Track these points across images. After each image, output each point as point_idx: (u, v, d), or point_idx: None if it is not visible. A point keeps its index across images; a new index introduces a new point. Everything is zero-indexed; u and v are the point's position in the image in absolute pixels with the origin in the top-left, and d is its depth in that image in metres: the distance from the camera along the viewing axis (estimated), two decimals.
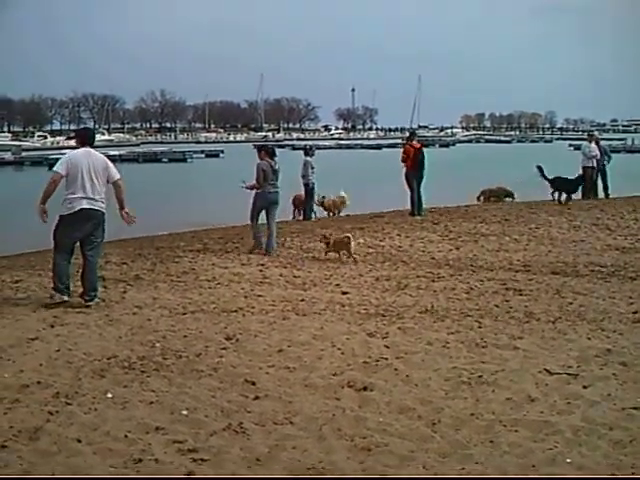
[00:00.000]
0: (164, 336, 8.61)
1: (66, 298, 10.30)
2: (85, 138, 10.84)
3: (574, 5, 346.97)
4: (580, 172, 26.40)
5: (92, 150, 10.68)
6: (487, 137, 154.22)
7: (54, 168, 10.37)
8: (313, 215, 22.85)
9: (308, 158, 22.52)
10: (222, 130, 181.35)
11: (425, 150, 22.53)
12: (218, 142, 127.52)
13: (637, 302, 10.53)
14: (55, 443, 5.68)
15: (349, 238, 14.49)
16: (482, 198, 27.33)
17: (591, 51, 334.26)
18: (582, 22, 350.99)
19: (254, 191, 15.47)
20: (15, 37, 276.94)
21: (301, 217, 22.84)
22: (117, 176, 10.59)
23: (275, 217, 15.67)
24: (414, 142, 22.39)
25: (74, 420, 6.12)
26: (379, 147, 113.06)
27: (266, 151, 15.79)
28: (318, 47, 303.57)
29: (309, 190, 22.41)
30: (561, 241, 16.40)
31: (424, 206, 22.04)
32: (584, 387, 6.90)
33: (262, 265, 13.61)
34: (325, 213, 23.66)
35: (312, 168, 22.32)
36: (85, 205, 10.20)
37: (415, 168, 21.47)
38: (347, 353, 7.95)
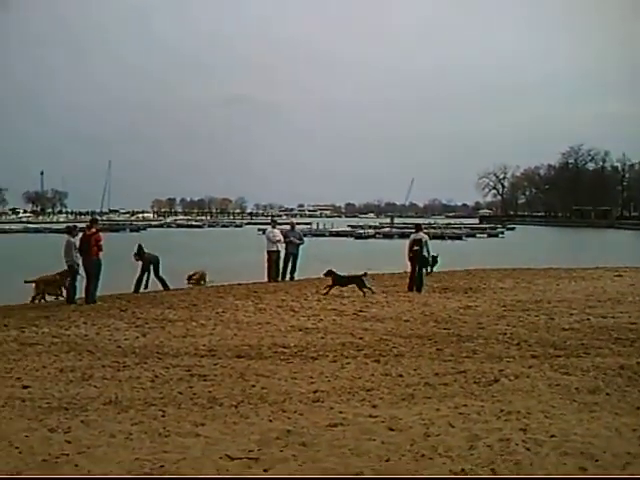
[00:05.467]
0: None
1: None
2: None
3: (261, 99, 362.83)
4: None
5: None
6: (179, 222, 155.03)
7: None
8: None
9: None
10: None
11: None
12: None
13: (318, 381, 10.93)
14: None
15: None
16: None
17: (283, 140, 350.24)
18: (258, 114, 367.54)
19: None
20: None
21: None
22: None
23: None
24: (90, 228, 22.04)
25: None
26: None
27: None
28: (5, 127, 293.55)
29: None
30: (247, 324, 16.67)
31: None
32: (265, 470, 6.99)
33: None
34: None
35: None
36: None
37: (83, 255, 21.26)
38: (25, 452, 7.53)
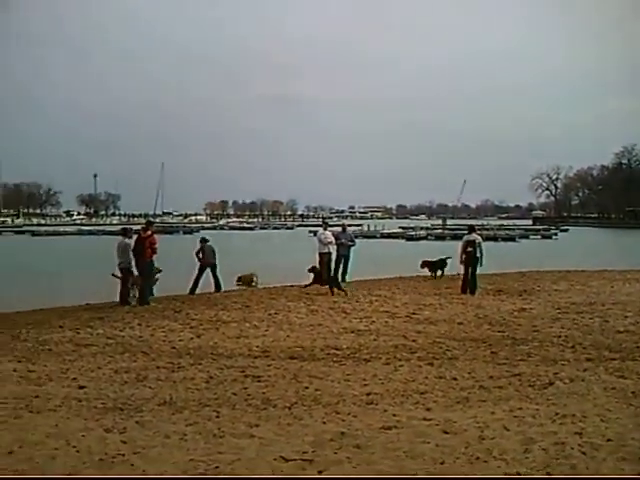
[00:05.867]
0: None
1: None
2: None
3: (310, 99, 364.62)
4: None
5: None
6: (231, 224, 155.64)
7: None
8: None
9: None
10: None
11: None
12: None
13: (371, 384, 10.94)
14: None
15: None
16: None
17: (326, 143, 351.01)
18: (312, 114, 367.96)
19: None
20: None
21: None
22: None
23: None
24: (145, 231, 22.04)
25: None
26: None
27: None
28: (59, 132, 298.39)
29: None
30: (299, 326, 16.76)
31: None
32: (319, 472, 7.01)
33: None
34: None
35: None
36: None
37: (137, 257, 21.45)
38: (82, 451, 7.64)
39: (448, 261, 30.45)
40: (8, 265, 44.29)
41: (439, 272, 30.19)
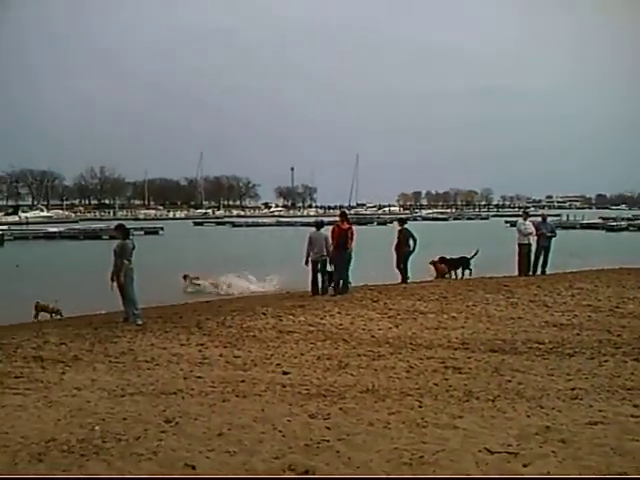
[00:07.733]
0: (103, 419, 8.46)
1: None
2: None
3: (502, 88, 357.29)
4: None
5: None
6: (424, 215, 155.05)
7: None
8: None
9: None
10: (161, 207, 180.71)
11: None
12: (157, 219, 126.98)
13: (575, 379, 10.67)
14: None
15: None
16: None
17: (522, 132, 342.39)
18: (510, 104, 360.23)
19: None
20: None
21: None
22: None
23: None
24: (343, 222, 22.17)
25: None
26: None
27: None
28: (258, 126, 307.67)
29: None
30: (499, 318, 16.53)
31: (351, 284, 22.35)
32: (524, 466, 6.89)
33: (201, 345, 13.50)
34: None
35: None
36: None
37: (337, 248, 21.65)
38: (288, 436, 7.85)
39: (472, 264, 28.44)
40: (213, 254, 46.04)
41: (462, 271, 28.03)
